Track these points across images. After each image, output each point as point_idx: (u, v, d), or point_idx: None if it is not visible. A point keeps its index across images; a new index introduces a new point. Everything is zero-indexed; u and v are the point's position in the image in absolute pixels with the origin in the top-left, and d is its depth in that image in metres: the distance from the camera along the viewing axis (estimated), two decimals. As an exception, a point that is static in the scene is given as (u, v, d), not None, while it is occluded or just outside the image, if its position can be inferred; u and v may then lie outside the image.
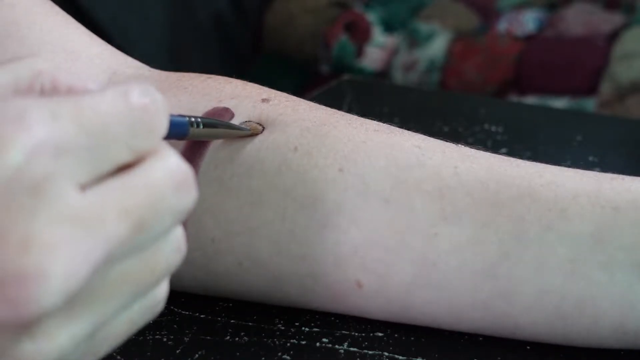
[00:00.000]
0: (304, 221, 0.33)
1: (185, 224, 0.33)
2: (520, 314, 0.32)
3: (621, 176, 0.33)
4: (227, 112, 0.34)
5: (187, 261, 0.33)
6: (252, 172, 0.33)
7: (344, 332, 0.33)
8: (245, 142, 0.34)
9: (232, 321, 0.34)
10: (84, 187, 0.22)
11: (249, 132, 0.34)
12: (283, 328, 0.33)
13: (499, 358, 0.32)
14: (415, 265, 0.32)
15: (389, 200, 0.32)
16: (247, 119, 0.34)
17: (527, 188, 0.32)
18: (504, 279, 0.31)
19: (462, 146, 0.34)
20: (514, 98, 1.21)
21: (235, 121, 0.34)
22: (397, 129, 0.35)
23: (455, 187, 0.32)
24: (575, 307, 0.31)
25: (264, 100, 0.35)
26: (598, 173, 0.33)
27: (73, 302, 0.22)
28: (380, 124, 0.35)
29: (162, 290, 0.25)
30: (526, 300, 0.31)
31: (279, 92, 0.36)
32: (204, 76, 0.37)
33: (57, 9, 0.38)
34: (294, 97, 0.36)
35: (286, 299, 0.34)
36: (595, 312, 0.31)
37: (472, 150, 0.34)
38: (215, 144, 0.34)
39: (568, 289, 0.31)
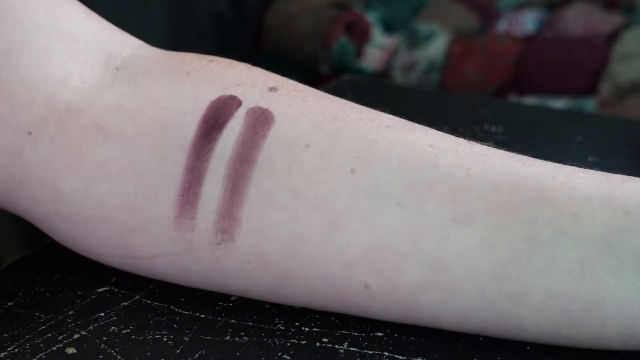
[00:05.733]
0: (315, 223, 0.32)
1: (195, 220, 0.33)
2: (527, 316, 0.31)
3: (632, 178, 0.32)
4: (235, 100, 0.34)
5: (196, 258, 0.33)
6: (263, 171, 0.33)
7: (344, 332, 0.33)
8: (255, 137, 0.33)
9: (232, 321, 0.34)
10: None
11: None
12: (283, 328, 0.33)
13: (499, 358, 0.32)
14: (425, 268, 0.32)
15: (401, 203, 0.32)
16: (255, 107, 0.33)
17: (540, 190, 0.31)
18: (513, 282, 0.31)
19: (475, 143, 0.34)
20: (513, 98, 1.21)
21: (243, 109, 0.33)
22: (408, 123, 0.34)
23: (468, 189, 0.32)
24: (583, 310, 0.31)
25: (271, 89, 0.34)
26: (609, 174, 0.33)
27: None
28: (392, 117, 0.34)
29: None
30: (534, 302, 0.31)
31: (284, 79, 0.35)
32: (205, 59, 0.36)
33: None
34: (301, 86, 0.35)
35: (291, 296, 0.34)
36: (602, 314, 0.31)
37: (484, 147, 0.33)
38: (224, 140, 0.33)
39: (577, 291, 0.31)
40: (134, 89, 0.35)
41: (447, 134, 0.34)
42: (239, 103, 0.33)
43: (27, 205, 0.35)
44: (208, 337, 0.33)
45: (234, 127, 0.33)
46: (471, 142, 0.34)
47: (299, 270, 0.33)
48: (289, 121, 0.33)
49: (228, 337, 0.33)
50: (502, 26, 1.27)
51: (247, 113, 0.33)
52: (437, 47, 1.27)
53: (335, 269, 0.32)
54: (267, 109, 0.33)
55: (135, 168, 0.33)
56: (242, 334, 0.33)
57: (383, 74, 1.28)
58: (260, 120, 0.33)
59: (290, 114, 0.33)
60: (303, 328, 0.33)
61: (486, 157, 0.33)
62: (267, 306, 0.34)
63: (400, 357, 0.32)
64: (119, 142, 0.34)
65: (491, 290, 0.31)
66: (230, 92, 0.34)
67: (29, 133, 0.34)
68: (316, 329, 0.33)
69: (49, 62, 0.35)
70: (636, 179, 0.32)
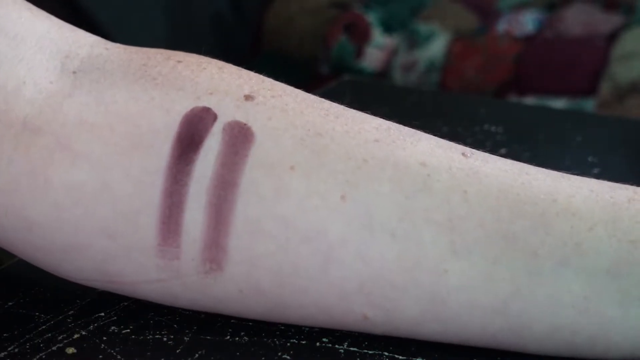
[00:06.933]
0: (308, 254, 0.30)
1: (180, 249, 0.31)
2: (530, 346, 0.31)
3: (638, 196, 0.31)
4: (209, 114, 0.31)
5: (185, 285, 0.32)
6: (248, 196, 0.30)
7: (344, 331, 0.33)
8: (236, 157, 0.30)
9: (232, 321, 0.34)
10: None
11: None
12: (283, 328, 0.33)
13: (499, 358, 0.32)
14: (423, 302, 0.31)
15: (395, 234, 0.30)
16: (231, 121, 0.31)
17: (540, 217, 0.30)
18: (515, 317, 0.30)
19: (469, 153, 0.32)
20: (513, 98, 1.21)
21: (219, 124, 0.31)
22: (397, 132, 0.32)
23: (466, 217, 0.30)
24: (587, 342, 0.30)
25: (247, 97, 0.31)
26: (614, 189, 0.31)
27: None
28: (380, 125, 0.32)
29: None
30: (536, 336, 0.30)
31: (259, 80, 0.33)
32: (172, 59, 0.33)
33: None
34: (279, 88, 0.32)
35: (288, 321, 0.33)
36: (607, 345, 0.30)
37: (480, 159, 0.32)
38: (203, 162, 0.30)
39: (581, 325, 0.30)
40: (96, 99, 0.31)
41: (440, 143, 0.32)
42: (214, 117, 0.31)
43: None
44: (208, 337, 0.33)
45: (212, 146, 0.30)
46: (465, 151, 0.32)
47: (294, 300, 0.31)
48: (270, 138, 0.31)
49: (228, 337, 0.33)
50: (502, 26, 1.27)
51: (224, 129, 0.30)
52: (437, 47, 1.27)
53: (332, 301, 0.31)
54: (245, 124, 0.31)
55: (109, 191, 0.31)
56: (242, 334, 0.33)
57: (383, 74, 1.28)
58: (239, 137, 0.30)
59: (271, 129, 0.31)
60: (303, 328, 0.33)
61: (483, 175, 0.31)
62: (267, 306, 0.34)
63: (400, 357, 0.32)
64: (88, 162, 0.31)
65: (493, 325, 0.31)
66: (203, 102, 0.31)
67: None
68: (316, 329, 0.33)
69: None
70: None
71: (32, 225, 0.32)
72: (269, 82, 0.33)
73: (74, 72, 0.32)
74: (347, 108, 0.33)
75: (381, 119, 0.33)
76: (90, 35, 0.34)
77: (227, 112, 0.31)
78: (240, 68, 0.33)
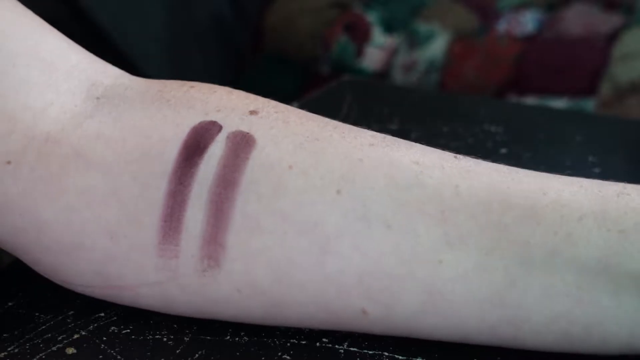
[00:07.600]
0: (304, 247, 0.31)
1: (179, 247, 0.32)
2: (528, 338, 0.31)
3: (627, 190, 0.32)
4: (215, 125, 0.33)
5: (182, 287, 0.32)
6: (248, 194, 0.32)
7: (343, 331, 0.33)
8: (237, 159, 0.32)
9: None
10: None
11: None
12: (283, 328, 0.33)
13: (499, 358, 0.32)
14: (421, 294, 0.31)
15: (391, 225, 0.31)
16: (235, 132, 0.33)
17: (531, 209, 0.31)
18: (512, 308, 0.31)
19: (461, 157, 0.33)
20: (513, 98, 1.21)
21: (224, 133, 0.33)
22: (392, 139, 0.34)
23: (458, 209, 0.31)
24: (583, 331, 0.31)
25: (251, 112, 0.33)
26: (602, 185, 0.32)
27: None
28: (375, 134, 0.34)
29: None
30: (534, 326, 0.31)
31: (266, 101, 0.35)
32: (186, 85, 0.35)
33: (29, 13, 0.36)
34: (283, 107, 0.35)
35: (287, 322, 0.33)
36: (604, 335, 0.31)
37: (471, 161, 0.33)
38: (206, 165, 0.32)
39: (576, 315, 0.30)
40: (115, 118, 0.34)
41: (433, 149, 0.33)
42: (220, 128, 0.33)
43: (7, 235, 0.34)
44: (208, 337, 0.33)
45: (215, 152, 0.32)
46: (457, 156, 0.33)
47: (293, 297, 0.32)
48: (271, 143, 0.32)
49: (228, 337, 0.33)
50: (502, 26, 1.27)
51: (227, 137, 0.32)
52: (437, 47, 1.27)
53: (330, 296, 0.32)
54: (247, 133, 0.33)
55: (117, 195, 0.32)
56: (242, 334, 0.33)
57: (383, 74, 1.28)
58: (241, 143, 0.32)
59: (272, 136, 0.33)
60: (303, 328, 0.33)
61: (474, 173, 0.32)
62: (267, 306, 0.34)
63: (400, 357, 0.32)
64: (100, 169, 0.33)
65: (490, 318, 0.31)
66: (211, 117, 0.33)
67: (8, 162, 0.33)
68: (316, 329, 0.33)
69: (27, 92, 0.34)
70: (632, 191, 0.32)
71: (43, 225, 0.33)
72: (274, 102, 0.35)
73: (98, 98, 0.35)
74: (345, 124, 0.35)
75: (376, 132, 0.34)
76: (117, 69, 0.37)
77: (232, 124, 0.33)
78: (248, 94, 0.35)
